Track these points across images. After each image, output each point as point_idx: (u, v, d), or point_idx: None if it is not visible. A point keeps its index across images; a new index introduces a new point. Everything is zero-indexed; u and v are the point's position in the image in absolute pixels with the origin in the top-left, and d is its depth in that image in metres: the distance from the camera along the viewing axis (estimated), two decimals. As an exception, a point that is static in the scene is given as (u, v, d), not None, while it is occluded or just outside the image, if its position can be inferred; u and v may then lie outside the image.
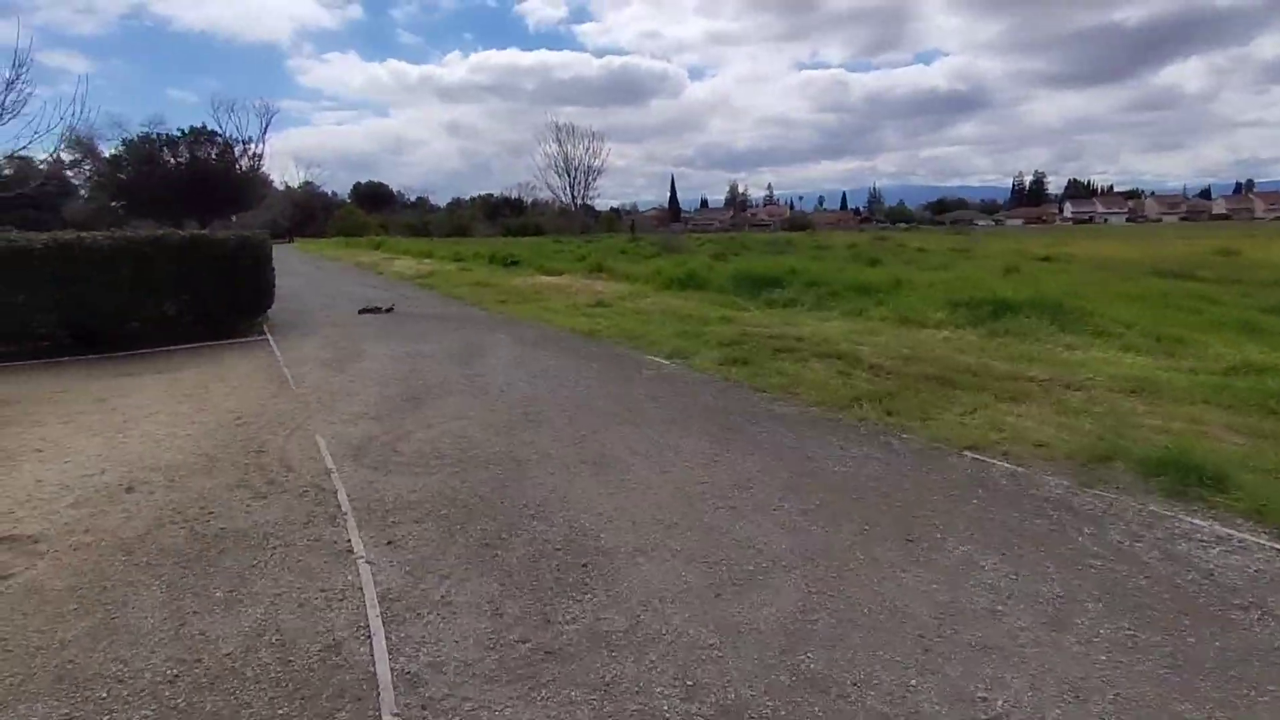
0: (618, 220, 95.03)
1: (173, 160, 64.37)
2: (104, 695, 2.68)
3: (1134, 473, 4.54)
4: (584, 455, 5.21)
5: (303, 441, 5.71)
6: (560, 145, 67.68)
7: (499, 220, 78.93)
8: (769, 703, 2.55)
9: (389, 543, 3.90)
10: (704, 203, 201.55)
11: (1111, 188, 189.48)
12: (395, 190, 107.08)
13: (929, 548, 3.67)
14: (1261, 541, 3.66)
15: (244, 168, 68.60)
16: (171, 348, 10.07)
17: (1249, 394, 5.88)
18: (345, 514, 4.29)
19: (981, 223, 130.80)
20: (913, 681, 2.64)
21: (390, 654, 2.87)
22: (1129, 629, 2.93)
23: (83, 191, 67.47)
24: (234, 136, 66.50)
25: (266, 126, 73.93)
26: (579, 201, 71.54)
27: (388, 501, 4.47)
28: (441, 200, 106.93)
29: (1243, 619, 3.00)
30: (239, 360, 9.13)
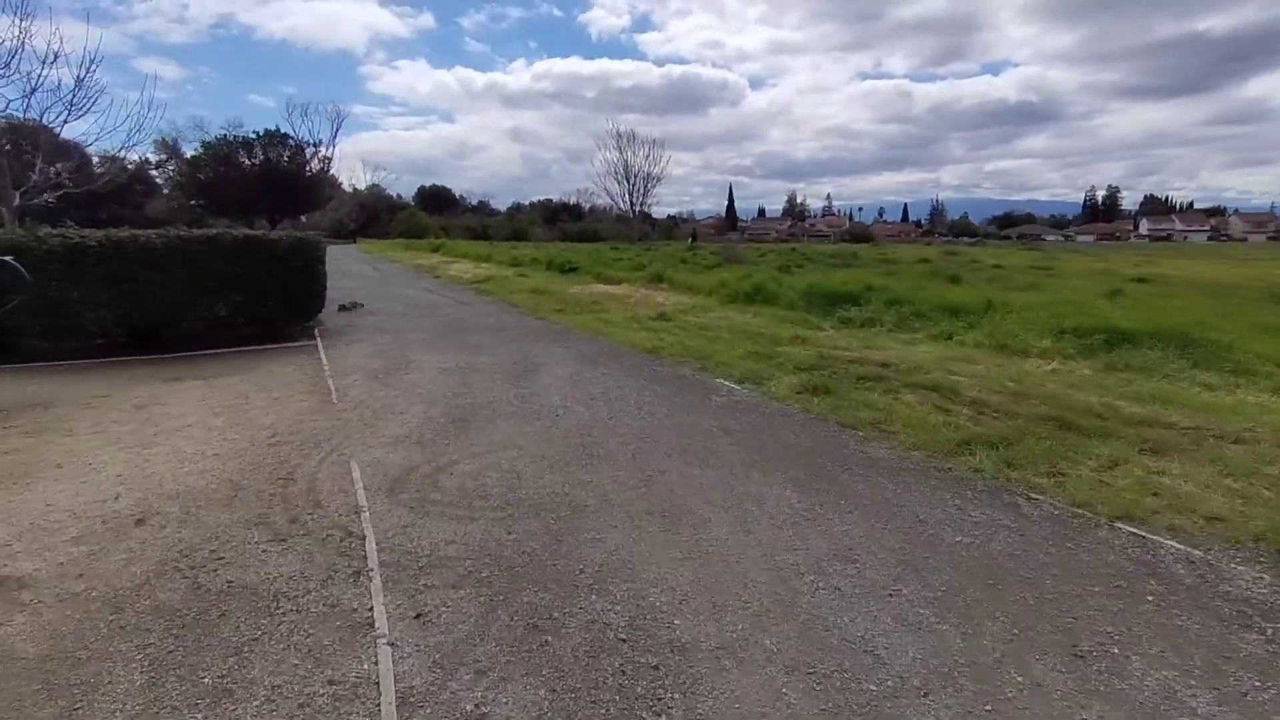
0: (675, 228, 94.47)
1: (247, 161, 66.54)
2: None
3: (1353, 566, 3.56)
4: (650, 503, 4.47)
5: (336, 468, 5.13)
6: (621, 152, 67.36)
7: (557, 225, 79.25)
8: None
9: (417, 616, 3.22)
10: (761, 212, 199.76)
11: (1191, 204, 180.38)
12: (457, 194, 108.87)
13: (1108, 669, 2.80)
14: None
15: (313, 169, 70.44)
16: (222, 350, 9.76)
17: None
18: (371, 570, 3.64)
19: (1050, 238, 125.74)
20: None
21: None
22: None
23: (165, 190, 70.41)
24: (305, 139, 68.35)
25: (337, 130, 76.20)
26: (637, 209, 71.12)
27: (421, 555, 3.80)
28: (501, 204, 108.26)
29: None
30: (284, 367, 8.71)
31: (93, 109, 13.65)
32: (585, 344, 10.11)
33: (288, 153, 67.69)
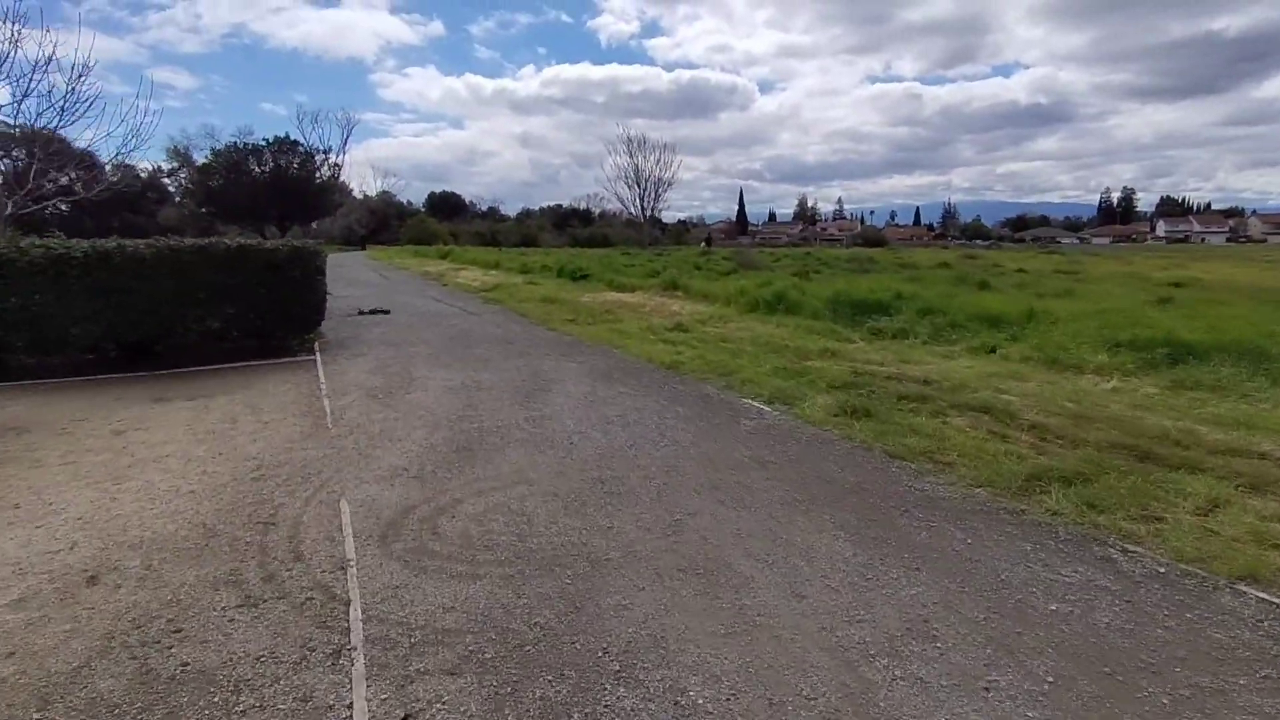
0: (686, 232, 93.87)
1: (258, 168, 66.42)
2: None
3: None
4: (681, 556, 3.85)
5: (324, 509, 4.54)
6: (631, 157, 66.86)
7: (567, 230, 78.82)
8: None
9: (405, 718, 2.61)
10: (772, 216, 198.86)
11: (1209, 205, 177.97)
12: (467, 200, 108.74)
13: (1294, 811, 2.16)
14: None
15: (323, 176, 70.25)
16: (217, 366, 9.22)
17: None
18: (353, 650, 3.03)
19: (1065, 240, 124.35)
20: None
21: None
22: None
23: (177, 198, 70.51)
24: (316, 146, 68.19)
25: (347, 137, 75.98)
26: (648, 213, 70.58)
27: (414, 627, 3.20)
28: (511, 210, 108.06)
29: None
30: (279, 385, 8.14)
31: (86, 114, 13.16)
32: (599, 358, 9.51)
33: (298, 159, 67.50)
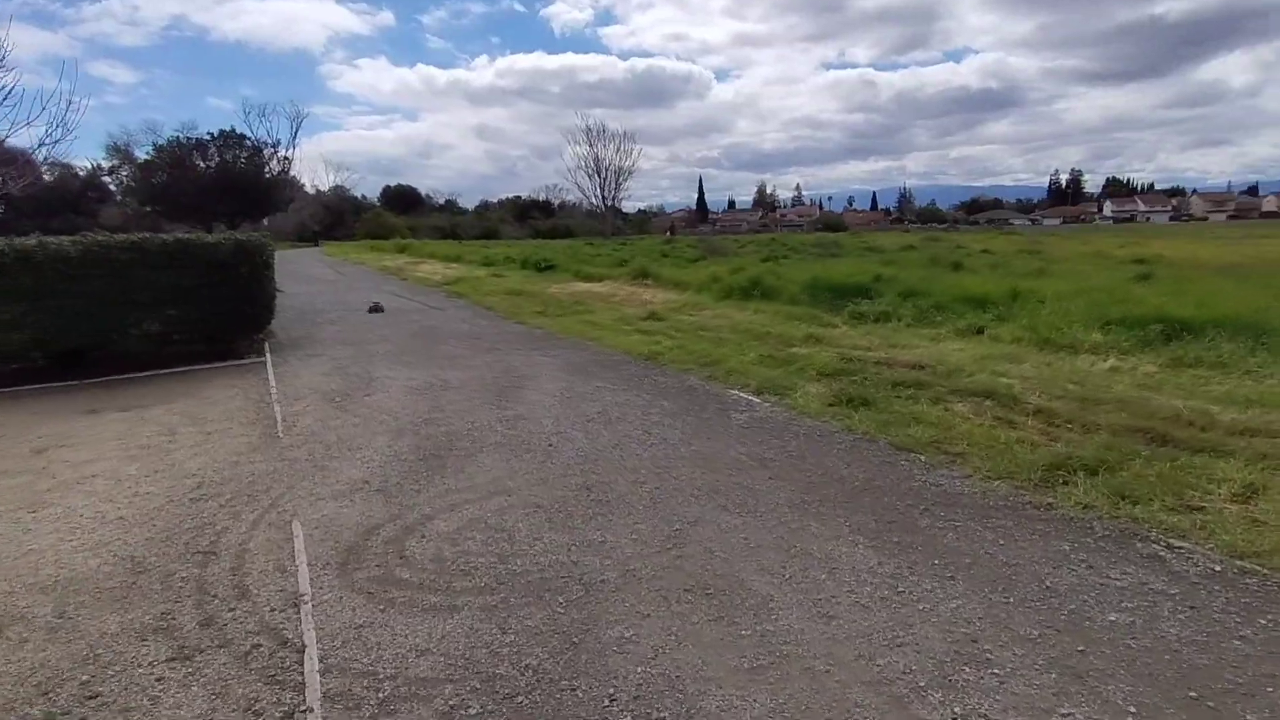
0: (648, 222, 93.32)
1: (202, 164, 64.00)
2: None
3: None
4: (687, 574, 3.40)
5: (274, 533, 3.98)
6: (591, 146, 66.00)
7: (528, 222, 77.66)
8: None
9: (375, 806, 2.12)
10: (731, 204, 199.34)
11: (1152, 185, 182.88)
12: (424, 193, 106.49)
13: None
14: None
15: (273, 171, 68.04)
16: (158, 373, 8.48)
17: None
18: (309, 710, 2.52)
19: (1017, 222, 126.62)
20: None
21: None
22: None
23: (118, 197, 67.64)
24: (264, 140, 65.96)
25: (296, 130, 73.66)
26: (609, 203, 69.85)
27: (383, 677, 2.69)
28: (469, 203, 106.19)
29: None
30: (224, 391, 7.48)
31: (1, 104, 12.13)
32: (573, 352, 9.00)
33: (245, 154, 65.26)
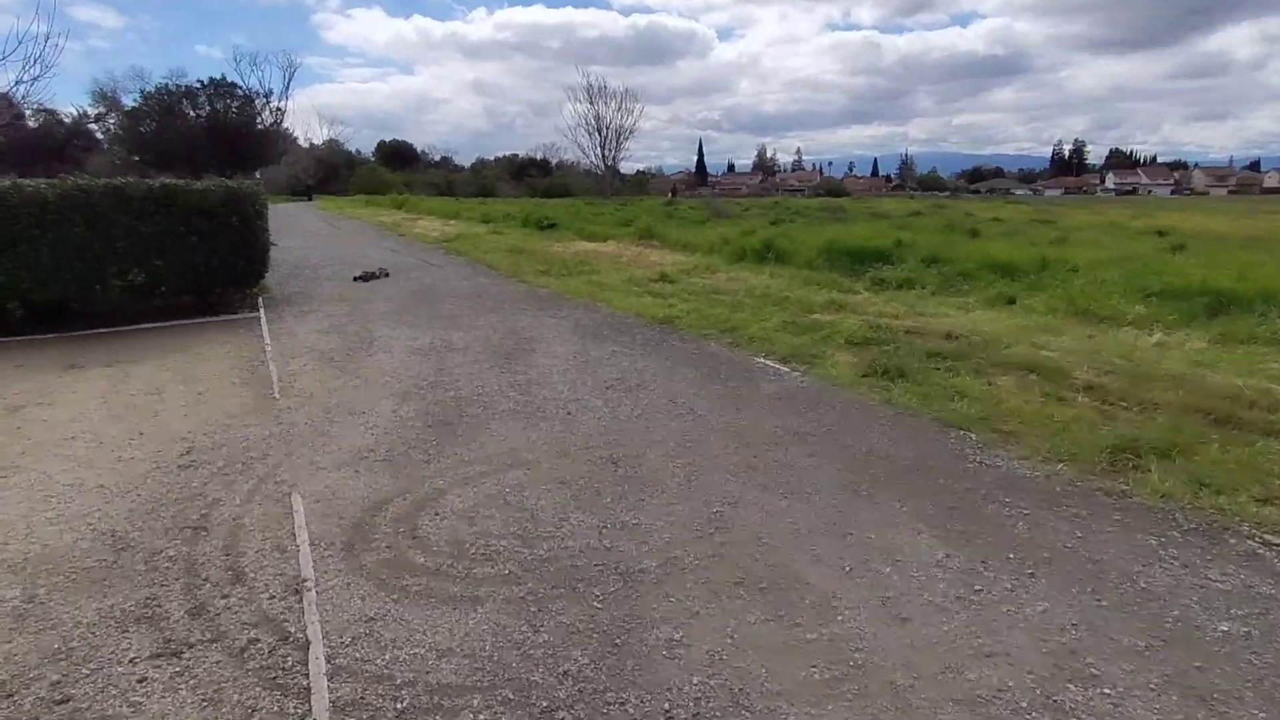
0: (647, 182, 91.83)
1: (193, 112, 62.29)
2: None
3: None
4: (735, 564, 3.04)
5: (271, 507, 3.61)
6: (592, 104, 64.38)
7: (525, 181, 76.21)
8: None
9: None
10: (730, 167, 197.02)
11: (1155, 158, 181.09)
12: (419, 149, 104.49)
13: None
14: None
15: (265, 122, 66.32)
16: (145, 326, 8.03)
17: None
18: (316, 726, 2.16)
19: (1019, 192, 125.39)
20: None
21: None
22: None
23: (105, 145, 65.96)
24: (255, 90, 64.14)
25: (289, 81, 71.91)
26: (609, 163, 68.53)
27: (399, 683, 2.34)
28: (465, 160, 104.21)
29: None
30: (216, 348, 7.05)
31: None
32: (582, 313, 8.57)
33: (236, 104, 63.47)
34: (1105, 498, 3.64)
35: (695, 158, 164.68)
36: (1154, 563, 3.03)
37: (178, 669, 2.43)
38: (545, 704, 2.25)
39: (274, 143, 68.83)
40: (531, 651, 2.50)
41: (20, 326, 7.81)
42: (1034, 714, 2.19)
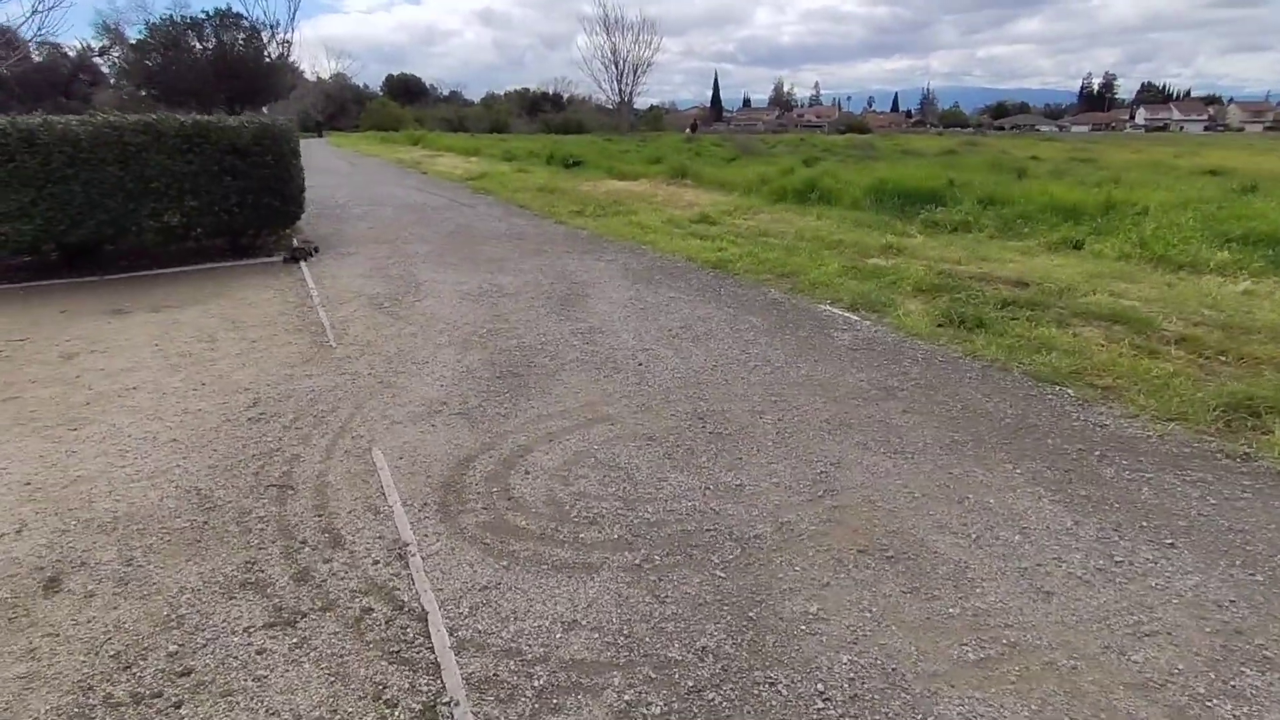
0: (663, 117, 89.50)
1: (199, 45, 60.72)
2: None
3: None
4: (853, 530, 2.90)
5: (353, 463, 3.48)
6: (608, 35, 62.21)
7: (538, 116, 74.48)
8: None
9: None
10: (746, 101, 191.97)
11: (1189, 92, 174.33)
12: (428, 84, 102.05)
13: None
14: None
15: (272, 55, 64.65)
16: (181, 270, 7.87)
17: None
18: (454, 704, 2.06)
19: (1044, 128, 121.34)
20: None
21: None
22: None
23: (112, 80, 64.73)
24: (261, 21, 62.35)
25: (295, 11, 69.54)
26: (625, 98, 66.66)
27: (531, 658, 2.23)
28: (474, 94, 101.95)
29: None
30: (260, 293, 6.88)
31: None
32: (629, 256, 8.31)
33: (243, 35, 61.66)
34: (1229, 461, 3.45)
35: (710, 92, 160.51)
36: (1302, 534, 2.86)
37: (295, 640, 2.33)
38: (691, 684, 2.13)
39: (282, 76, 67.19)
40: (662, 625, 2.37)
41: (56, 269, 7.67)
42: (1214, 701, 2.05)
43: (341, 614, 2.45)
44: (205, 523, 2.99)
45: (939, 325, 5.45)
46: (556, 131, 57.68)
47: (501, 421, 3.95)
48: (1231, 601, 2.47)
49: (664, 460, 3.49)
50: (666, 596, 2.51)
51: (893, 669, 2.18)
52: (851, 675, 2.16)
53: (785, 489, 3.22)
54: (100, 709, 2.06)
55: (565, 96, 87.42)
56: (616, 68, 63.58)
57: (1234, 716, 2.00)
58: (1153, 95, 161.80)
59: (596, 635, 2.33)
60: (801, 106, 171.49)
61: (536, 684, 2.14)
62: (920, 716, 2.01)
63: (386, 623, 2.40)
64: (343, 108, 77.14)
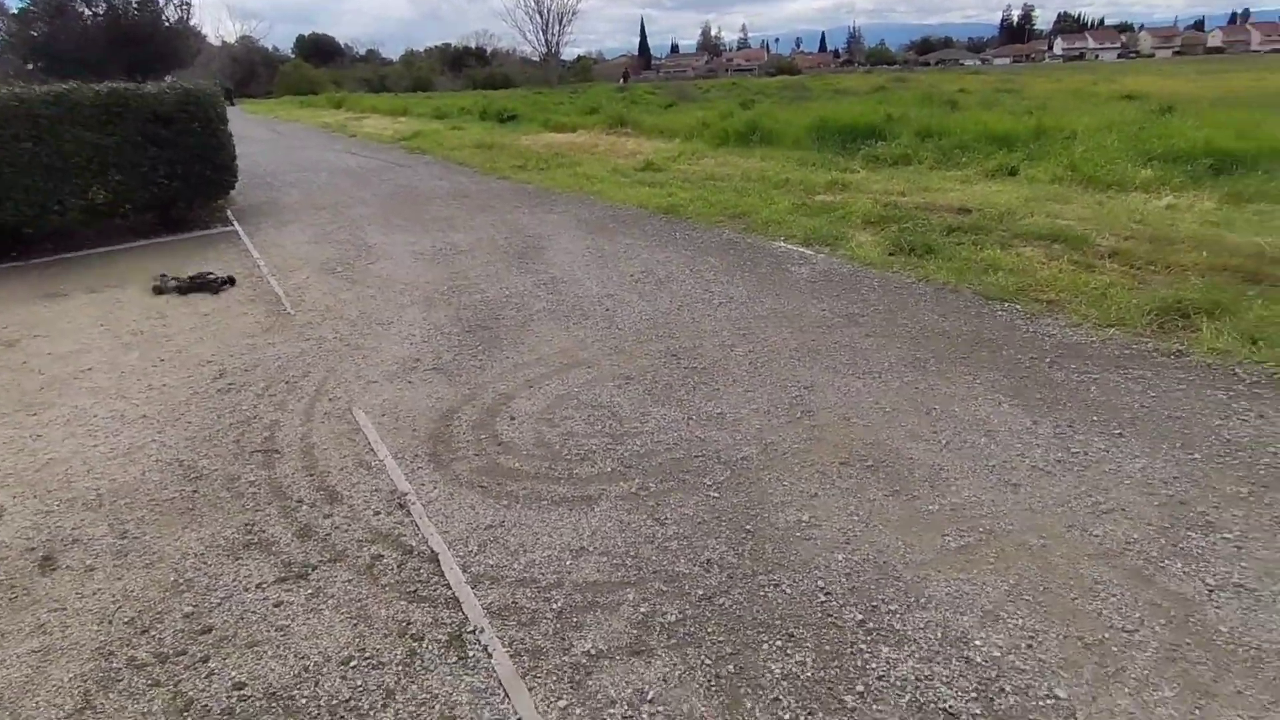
0: (591, 68, 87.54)
1: (87, 11, 56.41)
2: None
3: None
4: (833, 445, 3.07)
5: (336, 424, 3.49)
6: (530, -16, 60.09)
7: (463, 72, 71.92)
8: None
9: (618, 742, 1.80)
10: (675, 48, 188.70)
11: (1103, 21, 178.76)
12: (342, 43, 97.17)
13: None
14: None
15: (171, 19, 60.56)
16: (114, 248, 7.50)
17: None
18: (479, 630, 2.16)
19: (969, 62, 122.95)
20: None
21: None
22: None
23: (-8, 52, 59.71)
24: (153, -20, 58.07)
25: (189, -33, 64.96)
26: (553, 48, 64.92)
27: (546, 585, 2.34)
28: (393, 52, 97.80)
29: None
30: (203, 265, 6.63)
31: None
32: (580, 207, 8.27)
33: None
34: (1164, 358, 3.74)
35: (638, 39, 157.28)
36: (1230, 415, 3.15)
37: (310, 591, 2.38)
38: (701, 592, 2.27)
39: (184, 41, 63.05)
40: (666, 544, 2.50)
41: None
42: (1166, 561, 2.29)
43: (352, 563, 2.50)
44: (195, 491, 2.98)
45: (890, 254, 5.65)
46: (483, 87, 55.92)
47: (478, 373, 3.98)
48: (1175, 478, 2.72)
49: (644, 397, 3.59)
50: (666, 519, 2.64)
51: (884, 562, 2.36)
52: (848, 570, 2.33)
53: (764, 414, 3.36)
54: (126, 670, 2.09)
55: (489, 50, 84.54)
56: (541, 17, 61.72)
57: (1183, 573, 2.24)
58: (1069, 25, 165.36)
59: (605, 559, 2.45)
60: (730, 51, 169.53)
61: (555, 606, 2.25)
62: (913, 599, 2.19)
63: (399, 567, 2.47)
64: (252, 72, 73.00)
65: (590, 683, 1.96)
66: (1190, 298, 4.28)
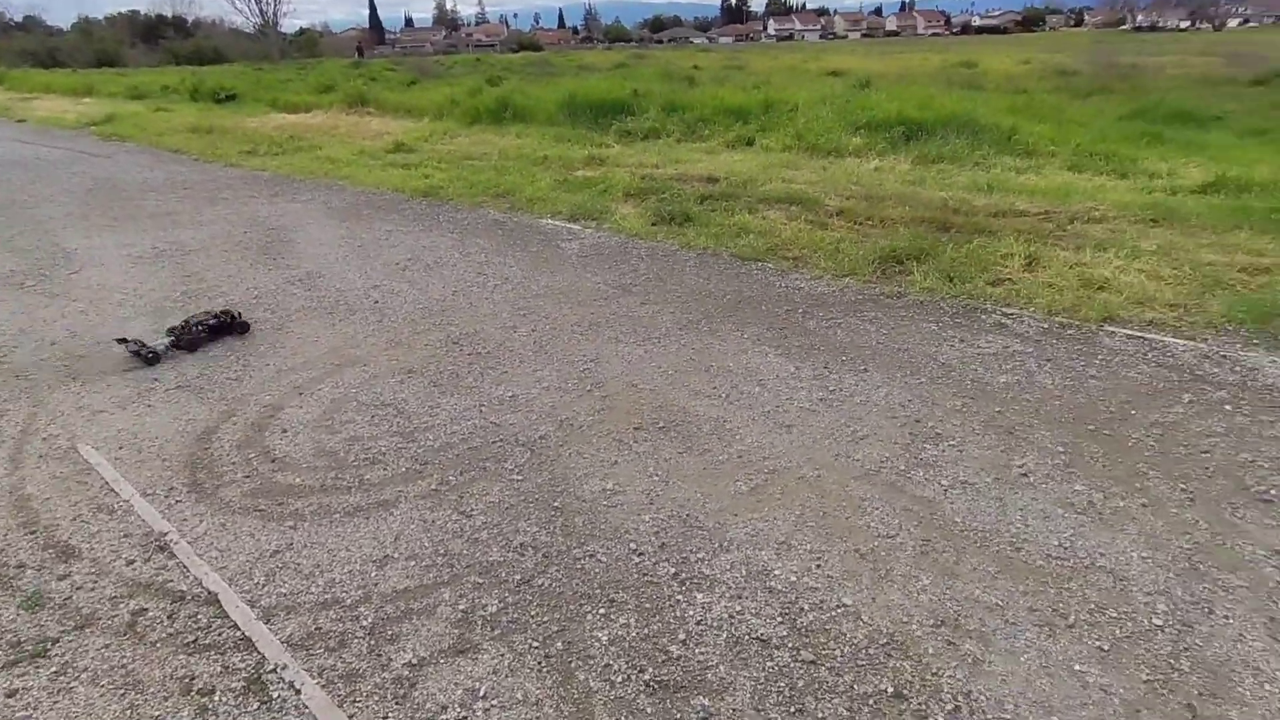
0: (317, 42, 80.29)
1: None
2: None
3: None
4: (626, 413, 3.19)
5: (56, 467, 2.94)
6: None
7: (160, 44, 62.37)
8: None
9: (456, 745, 1.75)
10: (409, 21, 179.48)
11: (804, 5, 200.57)
12: (-11, 6, 79.39)
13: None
14: None
15: None
16: None
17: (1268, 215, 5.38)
18: (280, 668, 1.96)
19: (696, 40, 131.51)
20: None
21: None
22: None
23: None
24: None
25: None
26: (272, 20, 58.48)
27: (351, 603, 2.19)
28: (60, 19, 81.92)
29: None
30: None
31: None
32: (327, 194, 7.63)
33: None
34: (889, 300, 4.36)
35: (367, 11, 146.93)
36: (941, 343, 3.76)
37: (54, 669, 1.99)
38: (518, 577, 2.26)
39: None
40: (475, 536, 2.44)
41: None
42: (912, 472, 2.70)
43: (106, 625, 2.14)
44: None
45: (653, 224, 5.92)
46: (189, 62, 49.08)
47: (235, 385, 3.55)
48: (909, 401, 3.20)
49: (430, 389, 3.45)
50: (472, 510, 2.57)
51: (687, 515, 2.51)
52: (655, 529, 2.44)
53: (555, 390, 3.39)
54: None
55: (190, 20, 74.16)
56: (255, -15, 55.18)
57: (924, 479, 2.65)
58: (778, 8, 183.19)
59: (413, 563, 2.33)
60: (469, 25, 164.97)
61: (365, 623, 2.10)
62: (717, 544, 2.36)
63: (169, 618, 2.15)
64: None
65: (416, 694, 1.87)
66: (901, 246, 5.00)
